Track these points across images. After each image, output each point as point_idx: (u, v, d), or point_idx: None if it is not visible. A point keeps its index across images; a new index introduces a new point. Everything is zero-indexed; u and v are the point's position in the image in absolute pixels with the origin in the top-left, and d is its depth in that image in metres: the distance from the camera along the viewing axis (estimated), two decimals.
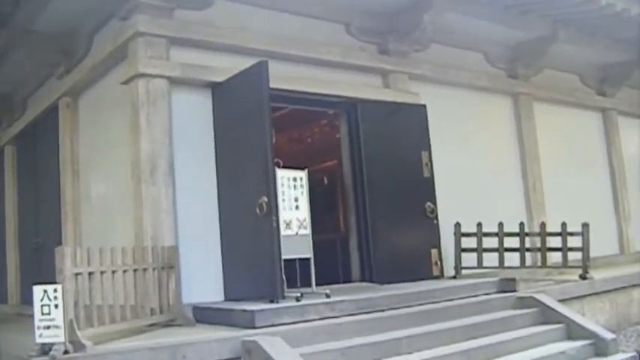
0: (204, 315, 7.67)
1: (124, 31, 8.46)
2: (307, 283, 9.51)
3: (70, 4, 9.09)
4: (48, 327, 5.69)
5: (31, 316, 5.77)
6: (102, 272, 6.50)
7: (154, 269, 7.29)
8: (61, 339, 5.64)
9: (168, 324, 7.46)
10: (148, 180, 8.01)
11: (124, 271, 6.86)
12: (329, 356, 6.35)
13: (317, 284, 8.69)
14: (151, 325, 7.29)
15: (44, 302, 5.73)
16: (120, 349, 5.86)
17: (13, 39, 10.34)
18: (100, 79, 9.56)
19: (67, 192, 10.38)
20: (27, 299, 10.40)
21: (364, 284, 9.76)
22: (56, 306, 5.69)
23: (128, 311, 6.82)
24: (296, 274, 8.97)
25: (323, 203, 12.49)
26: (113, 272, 6.68)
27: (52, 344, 5.63)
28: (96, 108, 9.93)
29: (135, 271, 7.00)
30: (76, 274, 6.11)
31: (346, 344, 6.61)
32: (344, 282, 10.23)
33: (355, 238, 10.19)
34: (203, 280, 8.27)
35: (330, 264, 11.28)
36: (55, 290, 5.71)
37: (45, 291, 5.73)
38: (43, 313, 5.71)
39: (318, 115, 11.90)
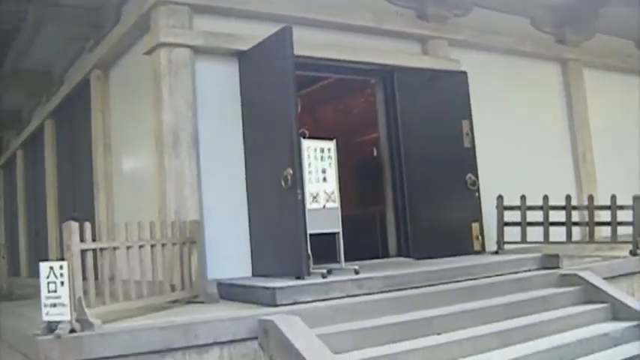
0: (228, 291, 7.42)
1: (147, 0, 8.16)
2: (349, 258, 9.29)
3: None
4: (54, 305, 5.46)
5: None
6: (114, 248, 6.25)
7: (173, 244, 7.03)
8: (67, 317, 5.40)
9: (190, 300, 7.24)
10: (171, 153, 7.77)
11: (141, 247, 6.60)
12: (350, 336, 5.99)
13: (357, 259, 8.47)
14: (174, 301, 7.10)
15: (50, 279, 5.49)
16: (129, 328, 5.62)
17: (43, 14, 10.21)
18: (128, 50, 9.36)
19: (98, 166, 10.25)
20: None
21: (400, 259, 9.41)
22: (62, 283, 5.45)
23: (145, 288, 6.57)
24: (330, 248, 8.58)
25: (368, 176, 12.09)
26: (128, 248, 6.42)
27: (58, 322, 5.41)
28: (125, 80, 9.74)
29: (152, 246, 6.75)
30: (84, 251, 5.87)
31: (370, 324, 6.25)
32: (382, 257, 9.87)
33: (392, 212, 9.83)
34: (230, 255, 8.04)
35: (370, 239, 10.97)
36: (61, 267, 5.47)
37: (51, 268, 5.50)
38: (49, 291, 5.48)
39: (363, 84, 11.45)
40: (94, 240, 6.06)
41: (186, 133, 7.84)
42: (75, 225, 5.81)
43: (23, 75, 13.30)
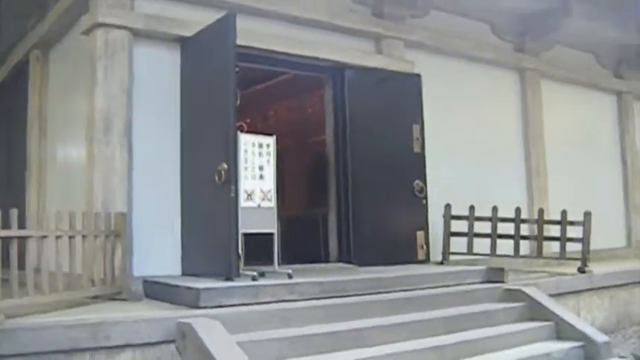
0: (153, 290, 6.98)
1: None
2: (289, 261, 8.95)
3: None
4: None
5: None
6: (23, 237, 5.78)
7: (95, 237, 6.58)
8: None
9: (113, 297, 6.79)
10: (101, 139, 7.34)
11: (57, 237, 6.14)
12: (275, 345, 5.61)
13: (298, 262, 8.22)
14: (95, 297, 6.67)
15: None
16: (33, 325, 5.17)
17: None
18: (68, 31, 8.86)
19: (32, 150, 9.79)
20: None
21: (341, 265, 9.06)
22: None
23: (60, 282, 6.12)
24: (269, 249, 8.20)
25: (318, 177, 11.72)
26: (42, 238, 5.97)
27: None
28: (64, 62, 9.29)
29: (71, 237, 6.30)
30: None
31: (299, 332, 5.87)
32: (324, 262, 9.52)
33: (334, 215, 9.48)
34: (160, 251, 7.63)
35: (313, 242, 10.62)
36: None
37: None
38: None
39: (319, 83, 11.03)
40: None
41: (119, 120, 7.41)
42: None
43: None
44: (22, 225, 5.88)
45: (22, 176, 10.07)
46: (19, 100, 10.58)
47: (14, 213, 5.80)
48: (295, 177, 14.00)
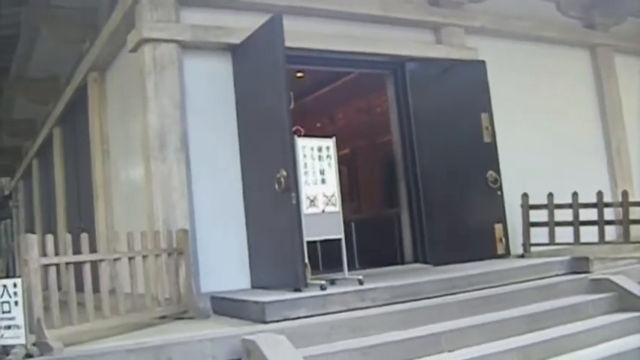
0: (221, 306, 6.78)
1: None
2: (365, 265, 8.64)
3: None
4: (9, 327, 4.95)
5: None
6: (79, 263, 5.64)
7: (157, 256, 6.43)
8: (22, 340, 4.87)
9: (179, 317, 6.63)
10: (157, 156, 7.21)
11: (115, 260, 5.99)
12: (345, 357, 5.31)
13: (374, 266, 7.91)
14: (161, 317, 6.51)
15: (4, 299, 4.99)
16: (93, 352, 5.01)
17: (37, 17, 9.79)
18: (120, 50, 8.76)
19: (97, 173, 9.77)
20: None
21: (416, 266, 8.72)
22: (16, 303, 4.91)
23: (122, 304, 5.97)
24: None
25: (391, 178, 11.43)
26: (100, 261, 5.82)
27: (13, 346, 4.84)
28: (119, 82, 9.21)
29: (130, 259, 6.15)
30: (46, 266, 5.28)
31: (370, 342, 5.55)
32: (400, 264, 9.19)
33: (407, 215, 9.14)
34: (227, 265, 7.49)
35: (388, 244, 10.29)
36: (15, 285, 4.93)
37: (4, 286, 4.96)
38: (3, 311, 4.96)
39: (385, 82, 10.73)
40: (56, 254, 5.45)
41: (174, 135, 7.26)
42: (33, 237, 5.23)
43: (29, 82, 12.90)
44: (92, 247, 5.83)
45: (91, 197, 10.05)
46: (82, 123, 10.60)
47: (85, 237, 5.71)
48: (369, 179, 13.73)
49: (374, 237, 10.70)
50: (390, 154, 9.78)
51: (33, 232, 15.02)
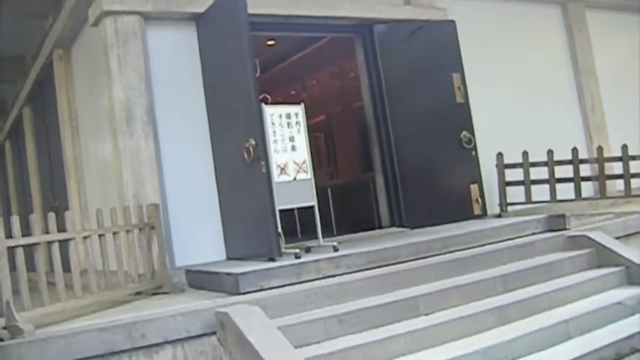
0: (195, 279, 6.74)
1: None
2: (344, 231, 8.57)
3: None
4: None
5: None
6: (49, 242, 5.54)
7: (127, 232, 6.33)
8: None
9: (155, 292, 6.54)
10: (125, 131, 7.08)
11: (85, 238, 5.88)
12: (321, 325, 5.24)
13: (354, 232, 7.95)
14: (136, 293, 6.43)
15: None
16: (65, 332, 4.90)
17: None
18: (83, 25, 8.57)
19: (67, 150, 9.63)
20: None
21: (392, 230, 8.67)
22: None
23: (94, 283, 5.87)
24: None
25: (366, 142, 11.37)
26: (68, 240, 5.71)
27: None
28: (84, 57, 9.05)
29: (100, 236, 6.05)
30: (12, 248, 5.17)
31: (346, 308, 5.49)
32: (377, 228, 9.13)
33: (382, 179, 9.07)
34: (201, 238, 7.44)
35: (366, 209, 10.23)
36: None
37: None
38: None
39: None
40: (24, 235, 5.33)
41: (140, 109, 7.13)
42: None
43: None
44: (62, 225, 5.71)
45: (63, 175, 9.93)
46: (51, 101, 10.42)
47: (52, 217, 5.61)
48: (344, 144, 13.67)
49: (351, 203, 10.65)
50: (364, 119, 9.69)
51: (8, 213, 15.01)
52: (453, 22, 9.17)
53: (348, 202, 10.75)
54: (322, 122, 13.98)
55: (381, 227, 9.02)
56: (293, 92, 14.03)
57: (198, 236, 7.34)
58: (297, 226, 9.45)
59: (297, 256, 6.28)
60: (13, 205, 15.85)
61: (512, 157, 8.97)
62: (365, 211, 10.08)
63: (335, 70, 13.86)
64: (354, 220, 9.82)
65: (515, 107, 9.83)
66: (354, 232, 8.73)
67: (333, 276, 6.13)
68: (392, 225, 8.84)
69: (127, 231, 6.34)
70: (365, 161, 11.60)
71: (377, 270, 6.28)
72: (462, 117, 9.03)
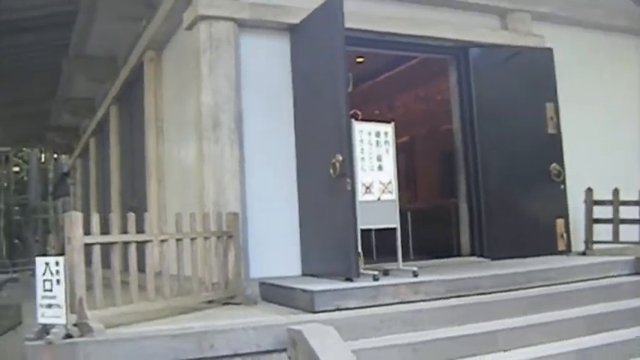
0: (269, 293, 6.62)
1: None
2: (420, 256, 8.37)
3: None
4: (50, 305, 4.82)
5: None
6: (125, 243, 5.50)
7: (206, 238, 6.26)
8: (62, 320, 4.74)
9: (227, 302, 6.46)
10: (210, 137, 7.03)
11: (162, 241, 5.83)
12: (394, 353, 5.09)
13: (431, 257, 7.83)
14: (209, 302, 6.37)
15: (46, 277, 4.86)
16: (134, 335, 4.89)
17: None
18: (177, 28, 8.59)
19: (151, 152, 9.66)
20: None
21: (473, 259, 8.43)
22: (58, 281, 4.78)
23: (167, 288, 5.81)
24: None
25: (450, 167, 11.15)
26: (145, 242, 5.67)
27: (53, 326, 4.72)
28: (176, 60, 9.07)
29: (178, 240, 5.99)
30: (90, 245, 5.15)
31: (422, 337, 5.33)
32: (456, 256, 8.91)
33: (465, 206, 8.83)
34: (278, 251, 7.30)
35: (445, 234, 9.99)
36: (57, 263, 4.80)
37: (47, 264, 4.84)
38: (45, 290, 4.84)
39: (446, 69, 10.21)
40: (103, 233, 5.32)
41: (228, 115, 7.07)
42: (77, 215, 5.08)
43: (88, 60, 12.79)
44: (140, 226, 5.71)
45: (144, 176, 9.97)
46: (138, 102, 10.53)
47: (131, 217, 5.58)
48: (427, 168, 13.45)
49: (430, 227, 10.42)
50: (448, 144, 9.50)
51: (88, 210, 15.27)
52: (550, 49, 8.91)
53: (427, 227, 10.52)
54: (404, 144, 13.77)
55: (460, 255, 8.78)
56: (377, 112, 13.88)
57: (275, 248, 7.23)
58: (373, 246, 9.25)
59: (375, 278, 6.12)
60: (92, 202, 16.09)
61: (602, 193, 8.60)
62: (444, 238, 9.84)
63: (421, 92, 13.69)
64: (433, 245, 9.58)
65: (608, 141, 9.45)
66: (432, 257, 8.50)
67: (411, 302, 5.94)
68: (472, 254, 8.60)
69: (205, 238, 6.28)
70: (446, 187, 11.38)
71: (456, 299, 6.07)
72: (553, 148, 8.74)
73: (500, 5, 8.92)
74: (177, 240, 6.00)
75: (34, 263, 4.99)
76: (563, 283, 6.79)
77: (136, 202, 10.87)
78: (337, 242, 6.53)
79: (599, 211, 8.65)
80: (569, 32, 9.43)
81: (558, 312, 6.14)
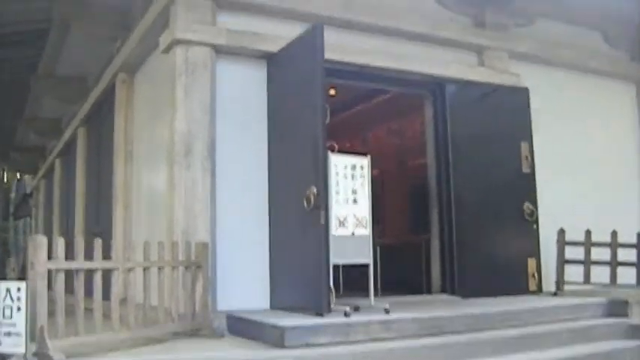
0: (237, 326, 6.43)
1: None
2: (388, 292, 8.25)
3: None
4: (9, 333, 4.61)
5: None
6: (90, 270, 5.31)
7: (173, 268, 6.09)
8: (21, 349, 4.53)
9: (193, 334, 6.24)
10: (182, 162, 6.87)
11: (129, 270, 5.64)
12: None
13: (399, 294, 7.78)
14: (174, 333, 6.12)
15: (6, 303, 4.66)
16: None
17: (69, 13, 9.43)
18: (152, 51, 8.46)
19: (118, 176, 9.47)
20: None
21: (444, 297, 8.30)
22: (19, 308, 4.57)
23: (132, 317, 5.61)
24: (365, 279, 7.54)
25: (421, 203, 11.04)
26: (111, 270, 5.48)
27: (11, 355, 4.51)
28: (148, 83, 8.95)
29: (145, 269, 5.81)
30: (53, 271, 4.95)
31: None
32: (426, 293, 8.80)
33: (437, 242, 8.73)
34: (247, 283, 7.12)
35: (415, 271, 9.88)
36: (19, 289, 4.60)
37: (7, 289, 4.63)
38: (4, 316, 4.63)
39: (419, 104, 10.00)
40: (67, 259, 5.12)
41: (201, 142, 6.92)
42: (42, 240, 4.88)
43: (57, 80, 12.65)
44: (106, 253, 5.52)
45: (110, 201, 9.75)
46: (107, 125, 10.34)
47: (98, 243, 5.39)
48: (396, 203, 13.34)
49: (399, 263, 10.30)
50: (419, 179, 9.44)
51: (50, 233, 14.95)
52: (526, 89, 8.92)
53: (396, 263, 10.39)
54: (375, 178, 13.66)
55: (430, 292, 8.68)
56: (348, 145, 13.80)
57: (243, 280, 7.06)
58: (340, 280, 9.12)
59: (346, 314, 5.98)
60: (54, 225, 15.77)
61: (574, 234, 8.57)
62: (413, 274, 9.73)
63: (393, 126, 13.65)
64: (402, 281, 9.46)
65: (581, 183, 9.45)
66: (402, 294, 8.40)
67: (384, 339, 5.80)
68: (443, 291, 8.49)
69: (173, 267, 6.10)
70: (416, 222, 11.28)
71: (429, 339, 5.94)
72: (527, 187, 8.72)
73: (478, 42, 8.93)
74: (145, 269, 5.81)
75: None
76: (535, 324, 6.70)
77: (99, 227, 10.64)
78: (308, 276, 6.37)
79: (571, 252, 8.62)
80: (545, 71, 9.47)
81: (530, 354, 6.06)
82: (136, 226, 9.07)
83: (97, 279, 5.40)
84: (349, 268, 6.88)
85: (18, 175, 29.17)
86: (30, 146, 18.54)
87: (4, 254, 28.84)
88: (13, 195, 31.13)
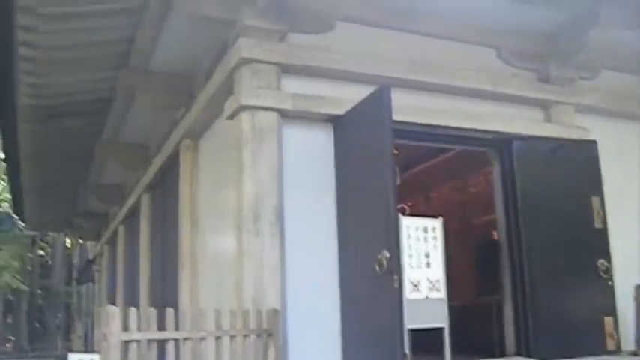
0: None
1: (229, 59, 7.42)
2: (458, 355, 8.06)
3: (181, 36, 8.27)
4: None
5: None
6: (162, 340, 5.26)
7: (244, 336, 6.01)
8: None
9: None
10: (251, 229, 6.82)
11: (202, 339, 5.58)
12: None
13: (469, 357, 7.67)
14: None
15: None
16: None
17: (133, 81, 9.60)
18: (216, 117, 8.51)
19: (184, 242, 9.47)
20: None
21: (519, 359, 8.03)
22: None
23: None
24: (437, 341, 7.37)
25: (488, 262, 10.81)
26: (184, 340, 5.43)
27: None
28: (213, 150, 8.99)
29: (217, 338, 5.75)
30: (127, 342, 4.91)
31: None
32: (499, 356, 8.55)
33: (510, 304, 8.49)
34: (318, 351, 6.96)
35: (486, 333, 9.64)
36: None
37: None
38: None
39: (482, 161, 9.93)
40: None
41: (269, 208, 6.89)
42: (114, 310, 4.87)
43: (121, 147, 12.89)
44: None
45: (175, 269, 9.76)
46: (172, 191, 10.42)
47: (170, 313, 5.37)
48: (462, 262, 13.12)
49: (468, 325, 10.07)
50: (485, 237, 9.23)
51: (114, 298, 15.06)
52: (594, 142, 8.72)
53: (465, 324, 10.17)
54: None
55: (504, 355, 8.42)
56: (410, 204, 13.71)
57: (314, 347, 6.92)
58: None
59: None
60: (118, 290, 15.88)
61: None
62: (484, 336, 9.48)
63: (456, 184, 13.52)
64: (473, 344, 9.22)
65: None
66: (472, 355, 8.17)
67: None
68: (517, 353, 8.23)
69: (245, 335, 6.03)
70: (485, 282, 11.04)
71: None
72: (600, 244, 8.45)
73: (543, 97, 8.79)
74: (217, 338, 5.75)
75: (54, 349, 4.75)
76: None
77: (165, 295, 10.65)
78: (382, 341, 6.25)
79: None
80: (612, 124, 9.24)
81: None
82: (203, 293, 9.04)
83: (170, 349, 5.35)
84: (416, 330, 6.75)
85: (80, 240, 29.66)
86: (92, 212, 18.84)
87: (68, 318, 29.16)
88: (75, 260, 31.63)
